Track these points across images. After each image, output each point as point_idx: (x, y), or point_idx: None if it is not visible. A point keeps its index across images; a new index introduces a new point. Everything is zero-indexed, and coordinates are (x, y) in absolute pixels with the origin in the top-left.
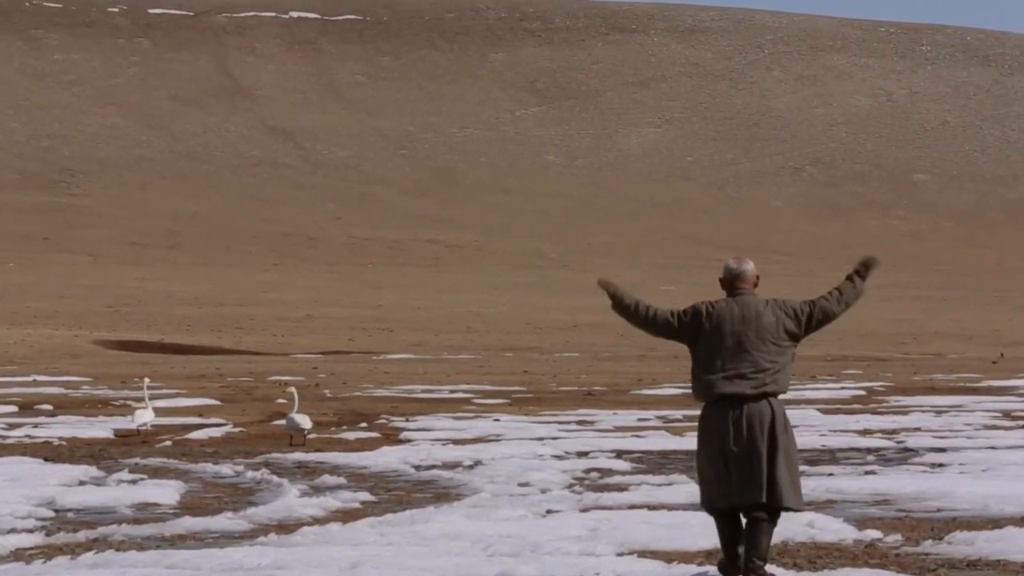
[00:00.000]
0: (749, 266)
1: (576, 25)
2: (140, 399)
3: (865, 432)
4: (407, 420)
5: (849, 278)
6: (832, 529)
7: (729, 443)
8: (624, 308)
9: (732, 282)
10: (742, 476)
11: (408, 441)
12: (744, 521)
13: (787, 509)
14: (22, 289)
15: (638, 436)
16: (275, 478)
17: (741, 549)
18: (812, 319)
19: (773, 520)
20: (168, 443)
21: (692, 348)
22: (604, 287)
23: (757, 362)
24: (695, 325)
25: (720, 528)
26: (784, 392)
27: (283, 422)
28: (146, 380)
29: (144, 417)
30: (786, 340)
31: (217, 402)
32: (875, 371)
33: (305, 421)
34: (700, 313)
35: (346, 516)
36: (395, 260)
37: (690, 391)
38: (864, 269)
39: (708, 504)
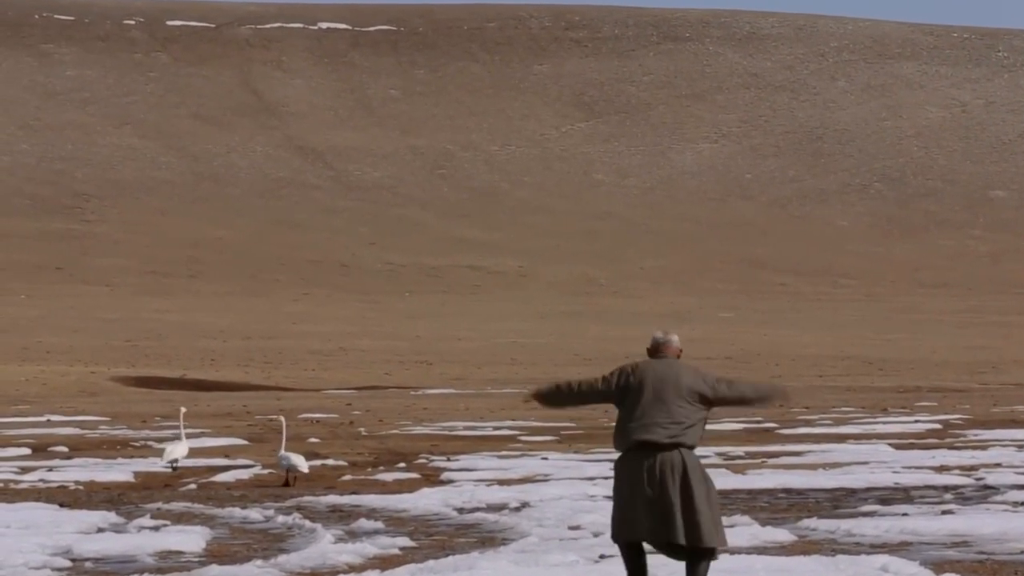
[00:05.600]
0: (674, 338)
1: (625, 34)
2: (176, 435)
3: (941, 468)
4: (448, 459)
5: (767, 386)
6: (908, 573)
7: (644, 487)
8: (551, 397)
9: (657, 348)
10: (655, 517)
11: (450, 482)
12: (685, 564)
13: (710, 548)
14: (34, 323)
15: None
16: (307, 523)
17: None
18: (727, 395)
19: (705, 557)
20: (192, 486)
21: (620, 405)
22: (529, 399)
23: (672, 413)
24: (622, 384)
25: (625, 559)
26: (694, 447)
27: (317, 463)
28: (182, 410)
29: (176, 452)
30: (698, 401)
31: (244, 442)
32: (951, 403)
33: (301, 463)
34: (626, 372)
35: (384, 563)
36: (433, 288)
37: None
38: (776, 394)
39: (614, 535)
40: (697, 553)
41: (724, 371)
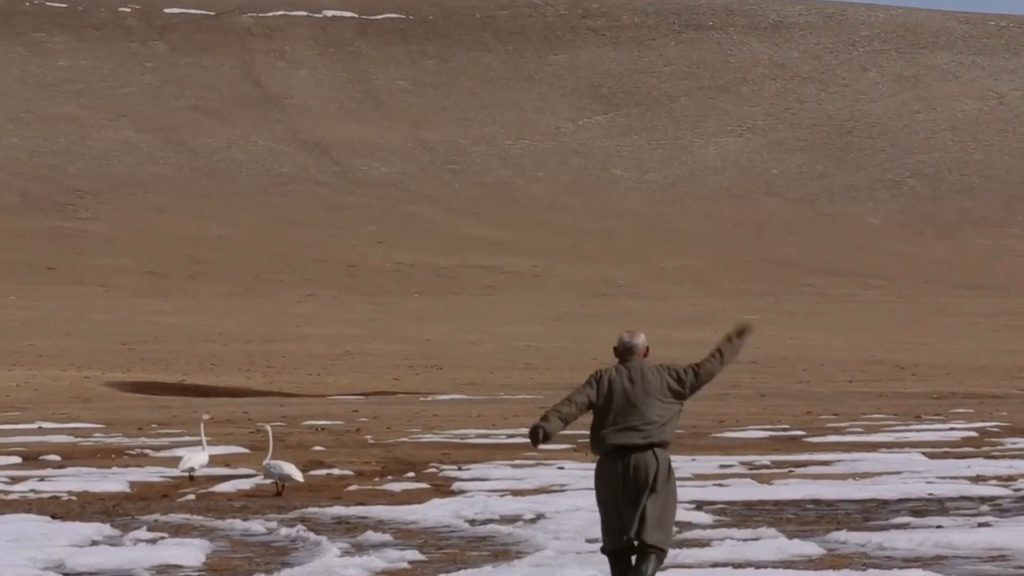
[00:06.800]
0: (640, 339)
1: (646, 23)
2: (196, 440)
3: (978, 479)
4: (459, 469)
5: (727, 339)
6: None
7: (619, 489)
8: (550, 431)
9: (624, 352)
10: (630, 518)
11: (461, 492)
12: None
13: (651, 546)
14: (25, 325)
15: (720, 485)
16: (312, 535)
17: None
18: (699, 379)
19: (649, 556)
20: (191, 497)
21: (594, 411)
22: (534, 440)
23: (645, 415)
24: (594, 391)
25: (613, 570)
26: (670, 442)
27: (322, 472)
28: (205, 416)
29: (194, 460)
30: (670, 397)
31: (246, 450)
32: (988, 410)
33: (294, 471)
34: (598, 380)
35: None
36: (444, 289)
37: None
38: (738, 336)
39: (603, 546)
40: (642, 549)
41: (749, 377)
